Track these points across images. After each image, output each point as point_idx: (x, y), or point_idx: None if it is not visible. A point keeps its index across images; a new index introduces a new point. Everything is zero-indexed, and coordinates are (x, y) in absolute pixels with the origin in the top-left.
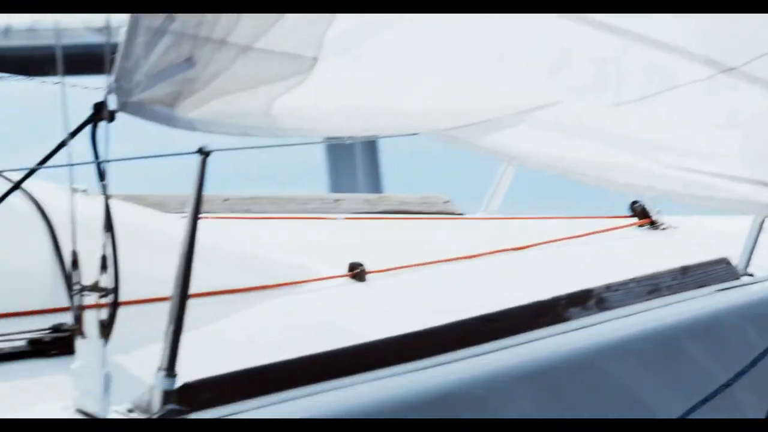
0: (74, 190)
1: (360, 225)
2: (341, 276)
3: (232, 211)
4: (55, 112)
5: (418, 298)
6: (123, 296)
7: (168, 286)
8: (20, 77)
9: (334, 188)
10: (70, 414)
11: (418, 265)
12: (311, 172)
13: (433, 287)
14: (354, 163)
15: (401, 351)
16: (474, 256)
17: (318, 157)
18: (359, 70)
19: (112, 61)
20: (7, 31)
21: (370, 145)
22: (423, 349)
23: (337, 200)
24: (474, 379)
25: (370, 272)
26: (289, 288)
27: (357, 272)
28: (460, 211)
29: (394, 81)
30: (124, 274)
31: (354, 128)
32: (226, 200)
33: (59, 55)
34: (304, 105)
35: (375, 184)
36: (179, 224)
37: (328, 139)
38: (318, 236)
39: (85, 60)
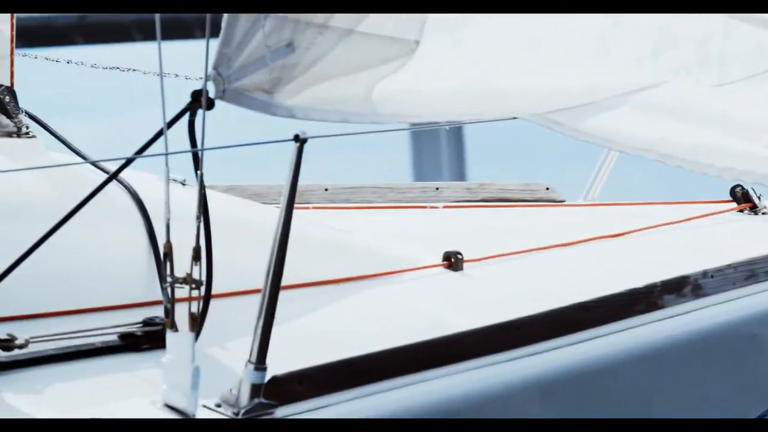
0: (172, 180)
1: (459, 213)
2: (437, 265)
3: (332, 201)
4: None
5: (513, 287)
6: (216, 288)
7: (262, 278)
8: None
9: (418, 176)
10: (159, 408)
11: (516, 253)
12: (395, 159)
13: (530, 275)
14: (439, 150)
15: (495, 341)
16: (572, 243)
17: (403, 145)
18: (460, 53)
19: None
20: None
21: (455, 133)
22: (517, 339)
23: (437, 189)
24: (570, 367)
25: (466, 261)
26: (384, 278)
27: (453, 261)
28: (561, 198)
29: (495, 64)
30: (217, 265)
31: (454, 113)
32: (326, 190)
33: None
34: (405, 89)
35: (460, 172)
36: (274, 214)
37: (424, 125)
38: (417, 225)
39: (175, 25)
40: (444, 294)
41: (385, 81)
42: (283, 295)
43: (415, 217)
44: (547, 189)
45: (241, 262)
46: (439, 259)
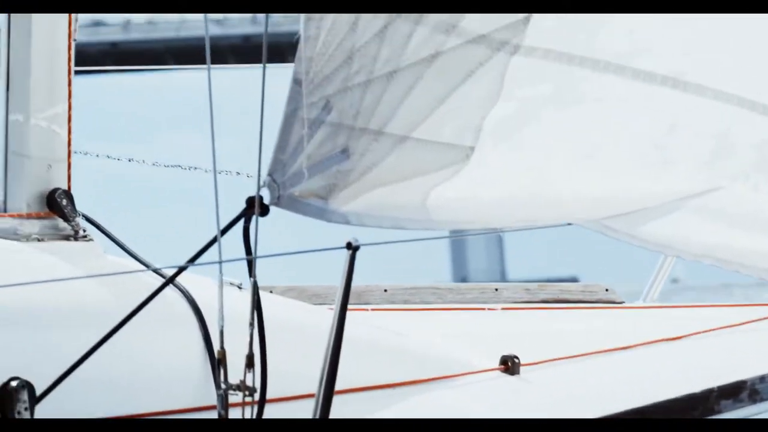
0: (229, 285)
1: (518, 315)
2: (494, 369)
3: (391, 302)
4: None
5: (570, 391)
6: (270, 393)
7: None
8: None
9: (457, 275)
10: None
11: (573, 357)
12: (434, 257)
13: (587, 379)
14: (478, 249)
15: None
16: (630, 347)
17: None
18: (516, 159)
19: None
20: (127, 24)
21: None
22: None
23: (497, 289)
24: None
25: (523, 365)
26: (439, 382)
27: (510, 365)
28: (621, 300)
29: (551, 170)
30: (272, 369)
31: (509, 219)
32: (385, 291)
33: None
34: (461, 196)
35: (500, 270)
36: (330, 318)
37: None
38: (475, 327)
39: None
40: (499, 399)
41: (440, 187)
42: (337, 399)
43: (474, 318)
44: (607, 290)
45: (295, 367)
46: (496, 363)
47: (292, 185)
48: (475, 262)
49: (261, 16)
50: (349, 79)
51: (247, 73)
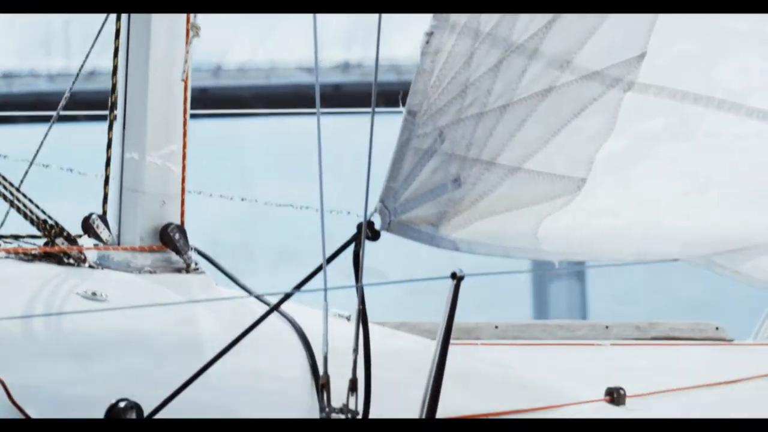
0: (338, 316)
1: (627, 351)
2: (599, 400)
3: (502, 338)
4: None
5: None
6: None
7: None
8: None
9: (538, 313)
10: None
11: (680, 389)
12: (515, 294)
13: (692, 411)
14: (559, 286)
15: None
16: (738, 381)
17: (523, 279)
18: (628, 193)
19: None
20: (218, 69)
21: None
22: None
23: (607, 327)
24: None
25: (629, 396)
26: (545, 412)
27: (615, 396)
28: (730, 338)
29: (662, 205)
30: (375, 395)
31: (618, 252)
32: (496, 327)
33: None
34: (571, 227)
35: (580, 308)
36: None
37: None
38: (583, 362)
39: (295, 98)
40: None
41: (551, 218)
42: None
43: (582, 353)
44: (717, 329)
45: (399, 394)
46: (601, 395)
47: (403, 212)
48: (557, 298)
49: (352, 64)
50: (462, 111)
51: (338, 122)
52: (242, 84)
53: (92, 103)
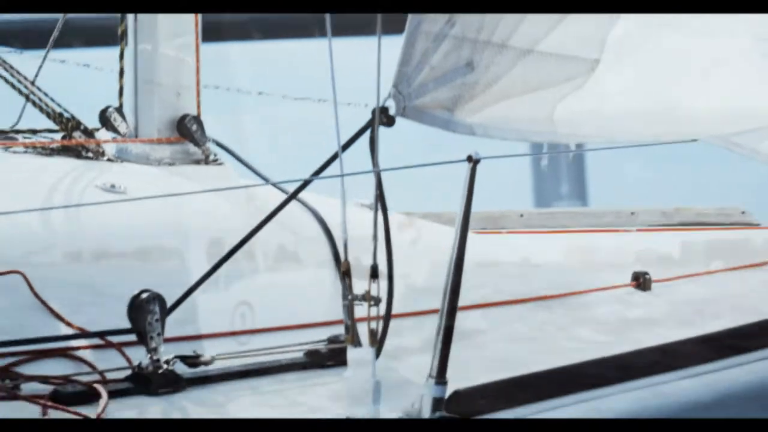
0: (361, 205)
1: (653, 236)
2: (625, 285)
3: (528, 227)
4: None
5: (698, 306)
6: (397, 308)
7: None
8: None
9: (539, 201)
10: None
11: (705, 273)
12: (516, 183)
13: (717, 295)
14: (559, 175)
15: (674, 357)
16: (761, 265)
17: (524, 168)
18: (642, 73)
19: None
20: None
21: (576, 158)
22: (696, 356)
23: (633, 213)
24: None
25: (655, 281)
26: (571, 298)
27: (641, 281)
28: (757, 222)
29: (678, 84)
30: (399, 285)
31: (634, 134)
32: (521, 216)
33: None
34: (585, 109)
35: (581, 197)
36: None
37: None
38: (610, 248)
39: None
40: (629, 311)
41: (565, 101)
42: (465, 314)
43: (608, 239)
44: (743, 213)
45: (422, 282)
46: (628, 280)
47: (417, 96)
48: (556, 186)
49: None
50: None
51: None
52: None
53: None
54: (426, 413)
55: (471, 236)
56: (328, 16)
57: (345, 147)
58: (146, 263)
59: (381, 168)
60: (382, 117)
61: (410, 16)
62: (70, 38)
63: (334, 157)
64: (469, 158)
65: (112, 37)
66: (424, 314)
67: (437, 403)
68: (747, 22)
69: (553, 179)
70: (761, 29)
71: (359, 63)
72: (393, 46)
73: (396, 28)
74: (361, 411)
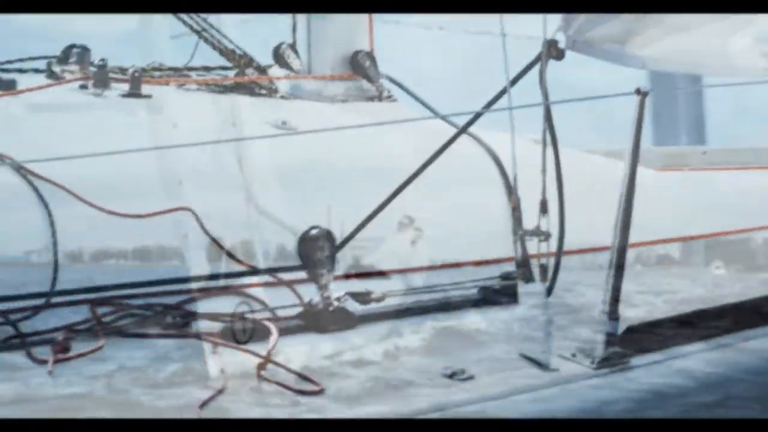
0: (534, 141)
1: None
2: None
3: (710, 163)
4: None
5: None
6: (568, 245)
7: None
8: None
9: (657, 140)
10: (516, 358)
11: None
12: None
13: None
14: (677, 114)
15: None
16: None
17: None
18: None
19: None
20: None
21: (695, 98)
22: None
23: None
24: None
25: None
26: (754, 233)
27: None
28: None
29: None
30: (572, 223)
31: None
32: (704, 153)
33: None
34: (764, 38)
35: (699, 137)
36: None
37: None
38: None
39: None
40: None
41: (740, 33)
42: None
43: None
44: None
45: (593, 218)
46: None
47: (586, 30)
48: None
49: None
50: None
51: None
52: None
53: None
54: (600, 349)
55: (653, 174)
56: None
57: (514, 81)
58: (320, 197)
59: (550, 101)
60: (552, 50)
61: None
62: None
63: (503, 91)
64: (638, 91)
65: None
66: (594, 251)
67: (610, 339)
68: None
69: (670, 118)
70: None
71: None
72: None
73: None
74: (534, 349)
